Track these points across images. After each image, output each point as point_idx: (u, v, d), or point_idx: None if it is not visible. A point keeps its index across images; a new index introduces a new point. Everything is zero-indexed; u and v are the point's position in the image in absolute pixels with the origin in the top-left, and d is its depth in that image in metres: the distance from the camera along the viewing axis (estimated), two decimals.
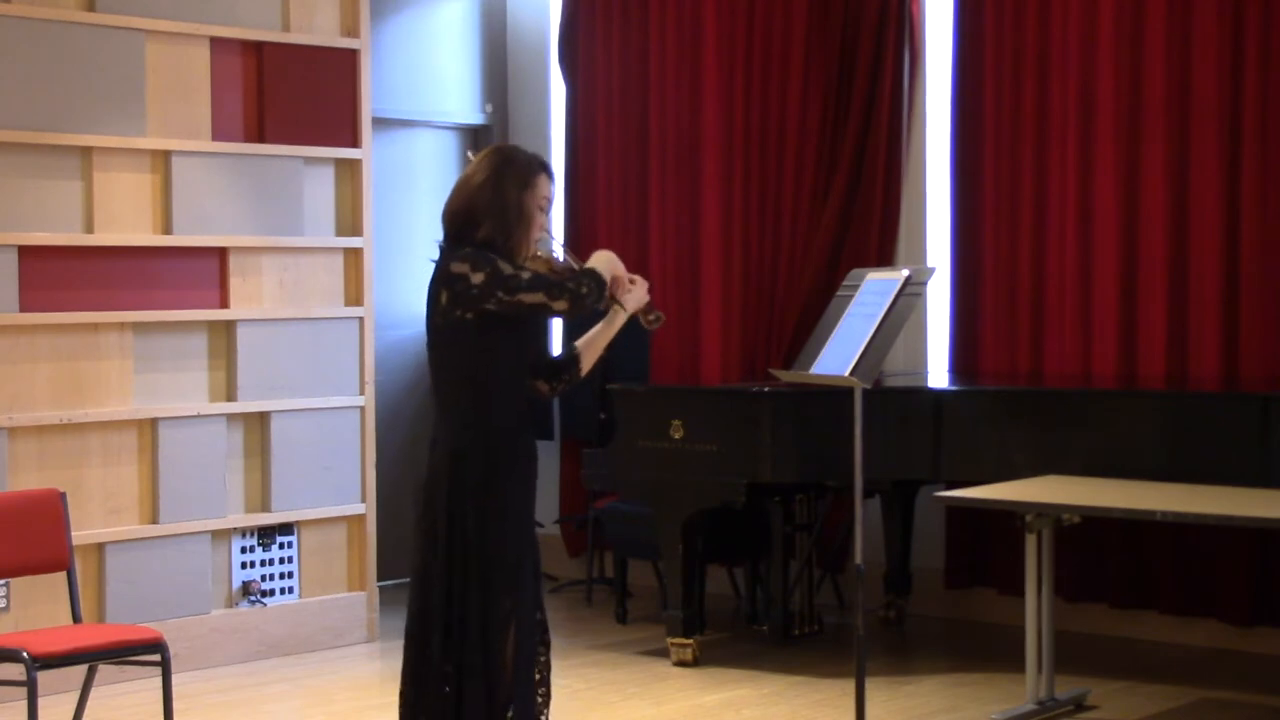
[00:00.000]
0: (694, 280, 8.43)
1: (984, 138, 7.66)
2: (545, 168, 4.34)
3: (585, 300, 4.17)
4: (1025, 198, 7.55)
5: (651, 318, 4.47)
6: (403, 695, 4.32)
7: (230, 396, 7.23)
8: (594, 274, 4.22)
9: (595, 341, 4.45)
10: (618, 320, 4.42)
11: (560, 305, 4.17)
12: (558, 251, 4.47)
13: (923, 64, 7.97)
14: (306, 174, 7.47)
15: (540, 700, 4.37)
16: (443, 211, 4.31)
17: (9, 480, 6.58)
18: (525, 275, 4.16)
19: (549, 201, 4.34)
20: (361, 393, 7.62)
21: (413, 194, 8.74)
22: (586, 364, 4.45)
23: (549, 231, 4.42)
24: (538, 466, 4.39)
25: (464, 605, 4.20)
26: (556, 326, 8.50)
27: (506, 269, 4.16)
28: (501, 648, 4.22)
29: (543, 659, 4.37)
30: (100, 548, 6.85)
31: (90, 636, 5.46)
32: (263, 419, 7.32)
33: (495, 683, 4.20)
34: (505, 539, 4.23)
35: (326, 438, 7.50)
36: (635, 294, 4.40)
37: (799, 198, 8.15)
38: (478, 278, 4.15)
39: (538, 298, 4.15)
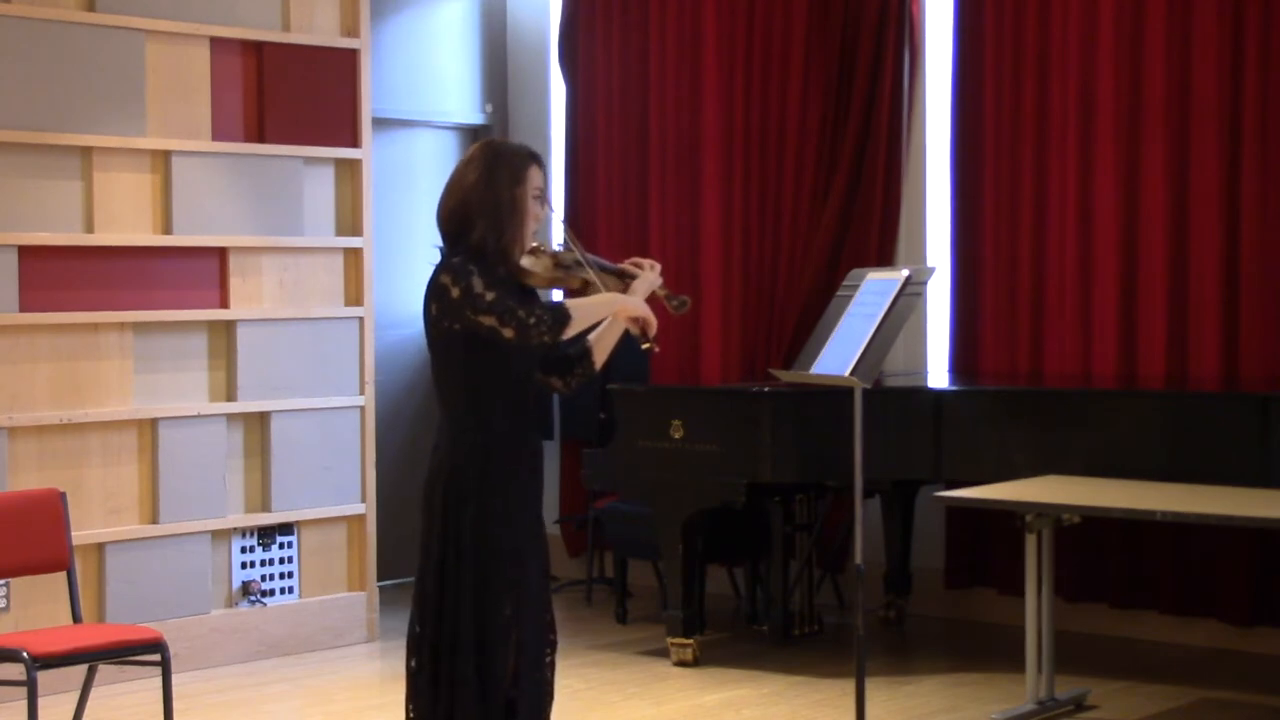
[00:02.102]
0: (694, 280, 8.42)
1: (984, 138, 7.66)
2: (535, 158, 4.30)
3: (533, 331, 4.10)
4: (1025, 198, 7.55)
5: (675, 303, 4.43)
6: (406, 697, 4.32)
7: (230, 396, 7.23)
8: (557, 309, 4.14)
9: (605, 334, 4.42)
10: (615, 330, 4.39)
11: (508, 332, 4.11)
12: (560, 244, 4.41)
13: (923, 64, 7.97)
14: (306, 174, 7.47)
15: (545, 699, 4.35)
16: (437, 214, 4.28)
17: (9, 480, 6.58)
18: (489, 297, 4.11)
19: (542, 191, 4.30)
20: (361, 393, 7.62)
21: (413, 194, 8.74)
22: (599, 357, 4.41)
23: (556, 212, 4.39)
24: (543, 467, 4.36)
25: (456, 611, 4.16)
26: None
27: (477, 286, 4.12)
28: (502, 654, 4.18)
29: (548, 659, 4.33)
30: (100, 548, 6.85)
31: (90, 636, 5.46)
32: (263, 419, 7.32)
33: (490, 689, 4.16)
34: (505, 543, 4.20)
35: (326, 438, 7.50)
36: (646, 278, 4.37)
37: (799, 198, 8.15)
38: (455, 292, 4.14)
39: (491, 321, 4.12)
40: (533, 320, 4.11)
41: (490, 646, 4.17)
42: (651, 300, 4.46)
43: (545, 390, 4.43)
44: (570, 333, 4.18)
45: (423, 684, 4.22)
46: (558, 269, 4.33)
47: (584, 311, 4.23)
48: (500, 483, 4.22)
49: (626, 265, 4.43)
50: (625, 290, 4.37)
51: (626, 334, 4.41)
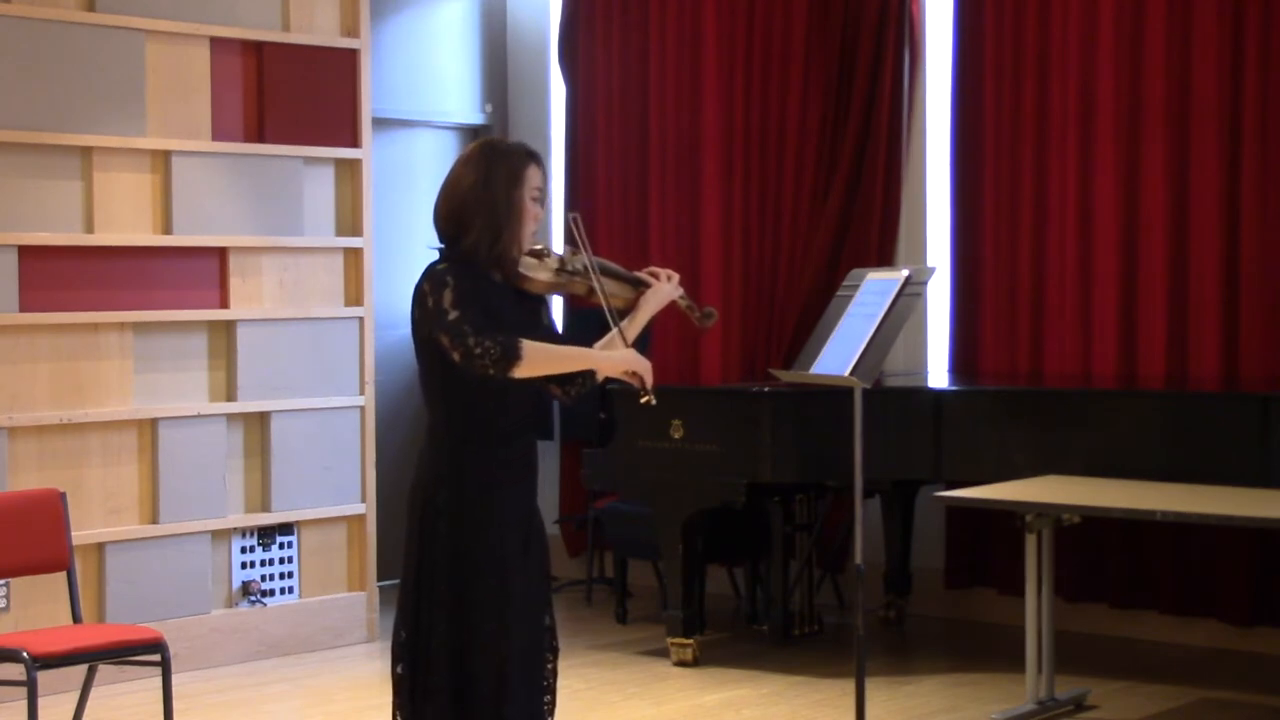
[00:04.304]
0: (694, 280, 8.40)
1: (984, 138, 7.66)
2: (534, 158, 4.20)
3: (476, 361, 3.99)
4: (1025, 198, 7.55)
5: (699, 315, 4.34)
6: (393, 704, 4.29)
7: (230, 396, 7.23)
8: (508, 345, 3.99)
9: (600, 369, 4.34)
10: (618, 343, 4.30)
11: (455, 355, 4.03)
12: (566, 250, 4.28)
13: (923, 64, 7.97)
14: (306, 174, 7.47)
15: (545, 707, 4.27)
16: (434, 215, 4.20)
17: (9, 480, 6.58)
18: (451, 315, 4.02)
19: (541, 191, 4.19)
20: (361, 393, 7.62)
21: (413, 194, 8.73)
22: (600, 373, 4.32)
23: (576, 221, 4.26)
24: (535, 469, 4.27)
25: (430, 622, 4.10)
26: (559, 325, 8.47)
27: (445, 301, 4.04)
28: (484, 666, 4.09)
29: (549, 666, 4.26)
30: (100, 548, 6.85)
31: (90, 636, 5.46)
32: (263, 419, 7.32)
33: (469, 701, 4.09)
34: (485, 554, 4.11)
35: (326, 438, 7.50)
36: (661, 290, 4.27)
37: (799, 198, 8.15)
38: (430, 301, 4.07)
39: (445, 341, 4.04)
40: (479, 351, 3.99)
41: (469, 659, 4.09)
42: (672, 310, 4.39)
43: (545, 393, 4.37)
44: (526, 374, 4.03)
45: (404, 691, 4.19)
46: (561, 274, 4.19)
47: (545, 357, 4.09)
48: (479, 493, 4.14)
49: (643, 274, 4.31)
50: (638, 298, 4.27)
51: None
